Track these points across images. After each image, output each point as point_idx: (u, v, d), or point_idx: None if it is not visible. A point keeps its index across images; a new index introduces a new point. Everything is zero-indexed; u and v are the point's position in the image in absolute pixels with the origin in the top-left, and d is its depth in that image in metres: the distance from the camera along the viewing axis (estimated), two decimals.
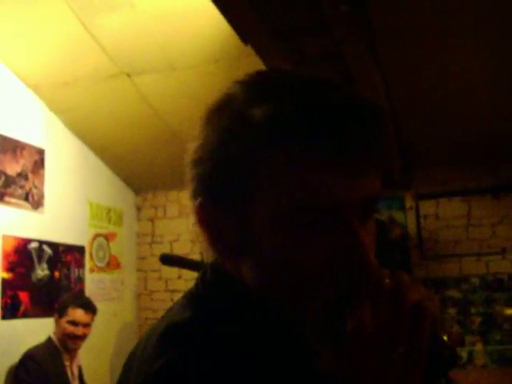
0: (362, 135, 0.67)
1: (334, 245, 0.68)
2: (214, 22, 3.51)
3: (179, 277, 5.70)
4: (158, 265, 5.78)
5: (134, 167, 5.46)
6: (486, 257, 5.33)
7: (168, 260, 2.22)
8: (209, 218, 0.76)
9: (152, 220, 5.92)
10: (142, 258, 5.87)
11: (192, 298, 0.83)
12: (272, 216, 0.69)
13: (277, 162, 0.69)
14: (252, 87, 0.79)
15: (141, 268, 5.86)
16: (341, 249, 0.68)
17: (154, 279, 5.81)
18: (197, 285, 0.84)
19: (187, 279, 5.59)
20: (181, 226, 5.76)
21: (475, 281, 5.34)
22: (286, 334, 0.74)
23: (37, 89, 4.49)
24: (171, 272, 5.73)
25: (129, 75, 4.25)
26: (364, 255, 0.67)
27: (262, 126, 0.70)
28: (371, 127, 0.68)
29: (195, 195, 0.77)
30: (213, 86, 4.28)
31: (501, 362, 5.24)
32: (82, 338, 3.74)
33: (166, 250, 5.61)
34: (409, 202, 5.45)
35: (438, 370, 0.69)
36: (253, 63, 3.58)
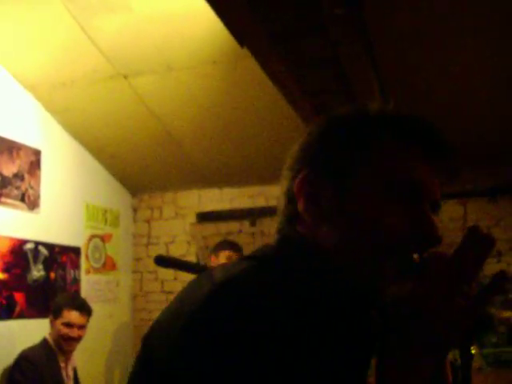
0: (444, 154, 0.94)
1: (415, 216, 0.87)
2: (211, 23, 3.51)
3: (175, 278, 5.69)
4: (153, 266, 5.77)
5: (130, 168, 5.46)
6: None
7: (163, 261, 2.21)
8: (310, 186, 0.91)
9: (148, 221, 5.91)
10: (137, 259, 5.87)
11: (262, 261, 0.89)
12: (373, 187, 0.88)
13: (384, 149, 0.90)
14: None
15: (137, 269, 5.85)
16: (419, 220, 0.87)
17: (150, 280, 5.81)
18: (263, 252, 0.94)
19: (183, 281, 5.59)
20: (177, 228, 5.75)
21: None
22: (358, 302, 0.86)
23: (34, 89, 4.49)
24: (167, 273, 5.72)
25: (126, 77, 4.26)
26: (435, 227, 0.88)
27: (378, 118, 0.94)
28: (450, 151, 0.96)
29: (297, 170, 0.94)
30: (210, 88, 4.30)
31: (496, 365, 5.24)
32: (77, 339, 3.74)
33: (162, 251, 5.61)
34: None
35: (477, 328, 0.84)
36: (250, 65, 3.60)
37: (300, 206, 0.91)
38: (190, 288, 0.90)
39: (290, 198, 0.94)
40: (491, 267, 5.34)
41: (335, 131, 0.94)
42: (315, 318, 0.77)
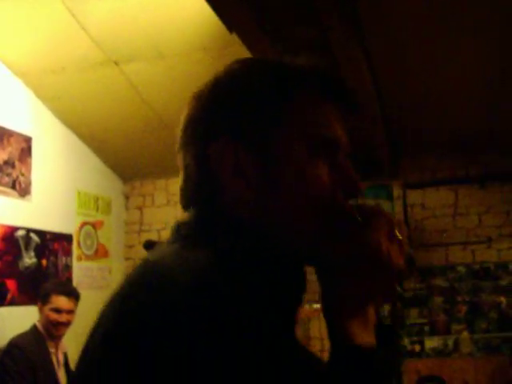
0: (348, 98, 0.90)
1: (336, 170, 0.85)
2: (202, 9, 3.50)
3: None
4: (145, 253, 5.79)
5: (121, 155, 5.45)
6: (473, 246, 5.37)
7: (152, 246, 2.21)
8: (233, 154, 0.83)
9: (140, 208, 5.92)
10: (129, 247, 5.88)
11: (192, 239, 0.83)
12: (296, 144, 0.83)
13: (304, 104, 0.86)
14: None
15: (129, 256, 5.86)
16: (340, 174, 0.85)
17: None
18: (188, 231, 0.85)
19: None
20: (169, 215, 5.76)
21: (461, 269, 5.38)
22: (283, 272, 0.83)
23: (24, 76, 4.48)
24: None
25: (117, 63, 4.24)
26: (357, 179, 0.86)
27: (287, 76, 0.87)
28: (352, 95, 0.92)
29: (212, 135, 0.84)
30: (201, 74, 4.27)
31: (487, 350, 5.29)
32: (66, 324, 3.74)
33: (154, 238, 5.61)
34: (396, 191, 5.47)
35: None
36: (240, 51, 3.59)
37: (224, 179, 0.83)
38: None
39: (203, 166, 0.85)
40: (481, 253, 5.40)
41: (244, 87, 0.86)
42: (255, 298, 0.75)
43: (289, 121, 0.85)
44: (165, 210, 5.82)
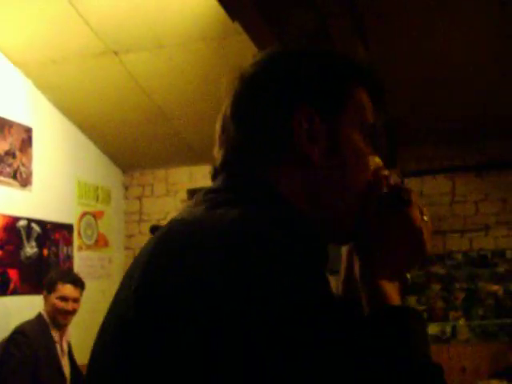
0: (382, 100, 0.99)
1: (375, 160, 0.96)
2: None
3: None
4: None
5: (121, 146, 5.47)
6: (470, 233, 5.42)
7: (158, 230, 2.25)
8: (310, 124, 0.88)
9: (139, 198, 5.94)
10: (129, 236, 5.90)
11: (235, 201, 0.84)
12: (354, 127, 0.92)
13: (360, 90, 0.94)
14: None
15: (129, 246, 5.89)
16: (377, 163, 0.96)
17: None
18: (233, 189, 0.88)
19: None
20: (168, 205, 5.79)
21: (459, 257, 5.43)
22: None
23: (24, 67, 4.49)
24: None
25: (116, 53, 4.26)
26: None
27: (354, 67, 0.96)
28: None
29: (292, 102, 0.89)
30: (201, 64, 4.31)
31: (483, 337, 5.34)
32: (72, 312, 3.78)
33: None
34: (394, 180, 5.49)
35: None
36: (241, 41, 3.61)
37: (305, 147, 0.88)
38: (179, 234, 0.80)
39: (277, 134, 0.89)
40: (478, 241, 5.44)
41: (324, 66, 0.93)
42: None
43: (351, 108, 0.92)
44: (164, 200, 5.85)
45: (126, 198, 5.96)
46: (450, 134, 5.22)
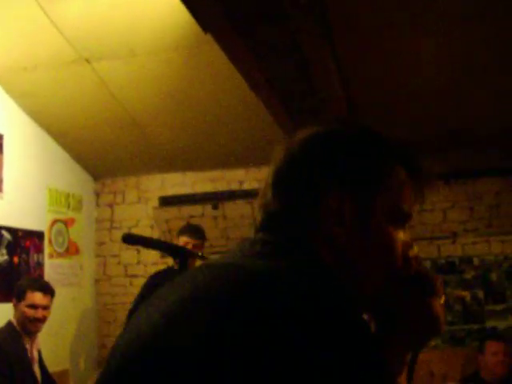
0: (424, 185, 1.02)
1: (405, 243, 0.99)
2: (175, 8, 3.55)
3: (138, 262, 5.74)
4: (117, 250, 5.82)
5: (92, 153, 5.47)
6: (438, 241, 5.51)
7: (131, 239, 2.27)
8: (338, 201, 0.93)
9: (111, 206, 5.93)
10: (100, 244, 5.89)
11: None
12: (383, 211, 0.95)
13: (397, 175, 0.98)
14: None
15: (100, 253, 5.88)
16: (408, 242, 0.99)
17: (113, 264, 5.84)
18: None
19: (146, 264, 5.64)
20: (140, 212, 5.79)
21: (427, 264, 5.50)
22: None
23: None
24: (130, 257, 5.77)
25: (89, 61, 4.27)
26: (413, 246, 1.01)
27: (391, 151, 0.99)
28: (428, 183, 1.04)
29: (324, 184, 0.94)
30: (173, 73, 4.34)
31: (452, 343, 5.42)
32: (42, 320, 3.77)
33: None
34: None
35: None
36: (213, 51, 3.65)
37: (330, 226, 0.93)
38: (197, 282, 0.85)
39: (309, 209, 0.94)
40: (446, 248, 5.52)
41: (362, 149, 0.97)
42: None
43: (385, 192, 0.96)
44: (135, 207, 5.85)
45: (98, 205, 5.95)
46: (418, 144, 5.29)
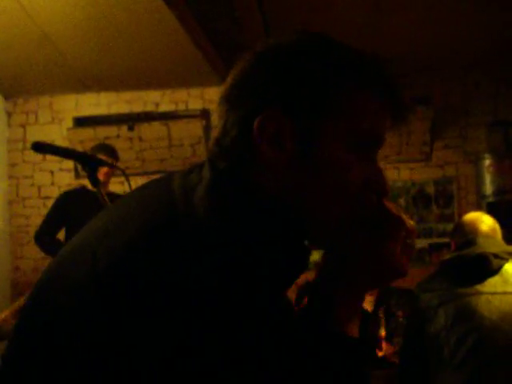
0: (399, 102, 0.89)
1: (369, 170, 0.88)
2: None
3: (52, 183, 5.66)
4: (30, 171, 5.70)
5: (3, 71, 5.25)
6: None
7: (41, 148, 2.23)
8: (277, 127, 0.84)
9: (23, 126, 5.78)
10: (13, 165, 5.76)
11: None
12: (338, 137, 0.85)
13: (352, 92, 0.86)
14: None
15: (12, 175, 5.75)
16: (373, 172, 0.88)
17: (27, 186, 5.73)
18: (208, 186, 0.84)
19: (60, 186, 5.56)
20: (53, 133, 5.66)
21: None
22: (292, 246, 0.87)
23: None
24: (44, 179, 5.67)
25: None
26: (386, 182, 0.91)
27: (345, 62, 0.87)
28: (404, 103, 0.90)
29: (260, 107, 0.85)
30: None
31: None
32: None
33: (38, 157, 5.50)
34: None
35: None
36: None
37: (266, 150, 0.85)
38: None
39: (245, 128, 0.85)
40: None
41: (307, 65, 0.86)
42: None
43: (336, 110, 0.85)
44: (49, 127, 5.72)
45: (9, 125, 5.78)
46: None
